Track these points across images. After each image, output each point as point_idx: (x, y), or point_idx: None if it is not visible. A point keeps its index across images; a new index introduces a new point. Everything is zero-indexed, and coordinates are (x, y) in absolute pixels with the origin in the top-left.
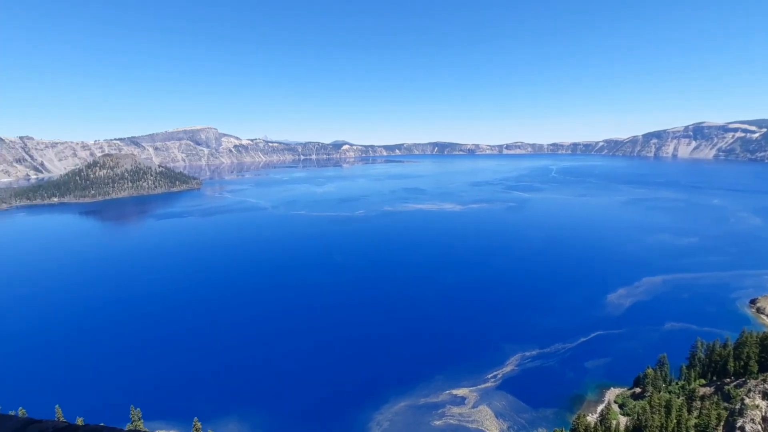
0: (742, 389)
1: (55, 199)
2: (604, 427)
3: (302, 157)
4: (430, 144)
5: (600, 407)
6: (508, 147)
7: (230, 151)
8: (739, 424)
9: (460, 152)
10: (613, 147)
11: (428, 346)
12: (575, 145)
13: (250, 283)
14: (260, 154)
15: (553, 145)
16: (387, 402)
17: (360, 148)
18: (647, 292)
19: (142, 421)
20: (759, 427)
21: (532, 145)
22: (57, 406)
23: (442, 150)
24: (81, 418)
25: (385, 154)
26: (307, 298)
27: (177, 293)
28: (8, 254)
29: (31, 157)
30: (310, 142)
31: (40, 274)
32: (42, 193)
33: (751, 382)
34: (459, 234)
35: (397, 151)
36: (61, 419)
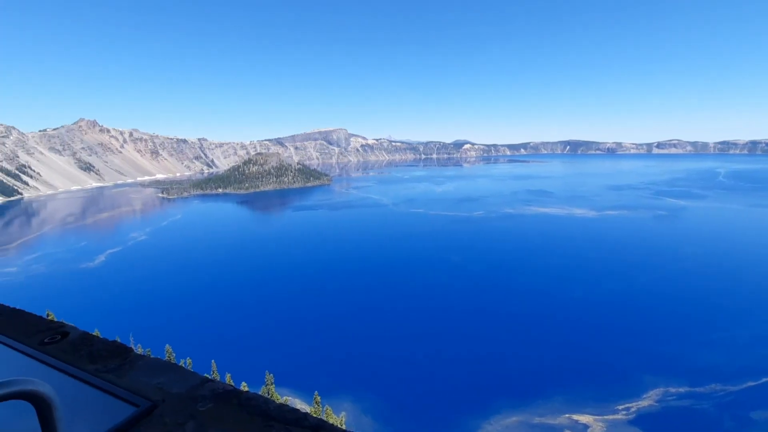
0: None
1: (220, 190)
2: None
3: (423, 156)
4: (560, 143)
5: None
6: (659, 146)
7: (357, 150)
8: None
9: (597, 152)
10: None
11: (548, 361)
12: (754, 143)
13: (371, 275)
14: (384, 153)
15: (723, 143)
16: (498, 413)
17: (482, 147)
18: None
19: (273, 385)
20: None
21: (693, 144)
22: (213, 360)
23: (575, 149)
24: (229, 374)
25: (508, 153)
26: (422, 296)
27: (310, 278)
28: (188, 231)
29: (205, 155)
30: (432, 142)
31: (207, 250)
32: (211, 185)
33: None
34: (591, 243)
35: (522, 150)
36: (214, 373)
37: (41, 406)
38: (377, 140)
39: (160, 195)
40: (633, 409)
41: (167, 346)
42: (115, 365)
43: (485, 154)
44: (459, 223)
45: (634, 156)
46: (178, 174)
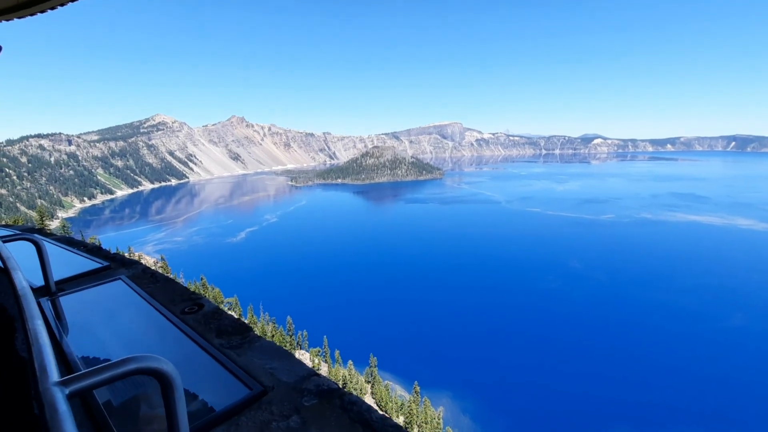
0: None
1: (339, 180)
2: None
3: (544, 152)
4: (722, 138)
5: None
6: None
7: (471, 144)
8: None
9: None
10: None
11: (689, 399)
12: None
13: (481, 274)
14: (500, 148)
15: None
16: None
17: (616, 142)
18: None
19: (376, 368)
20: None
21: None
22: (324, 336)
23: (743, 146)
24: (338, 350)
25: (650, 149)
26: (537, 303)
27: (420, 270)
28: (311, 217)
29: (328, 147)
30: (554, 136)
31: (327, 235)
32: (332, 175)
33: None
34: (758, 265)
35: (668, 146)
36: (326, 347)
37: (164, 382)
38: (493, 134)
39: (290, 183)
40: None
41: (288, 317)
42: (237, 342)
43: (620, 150)
44: (583, 226)
45: None
46: (305, 164)
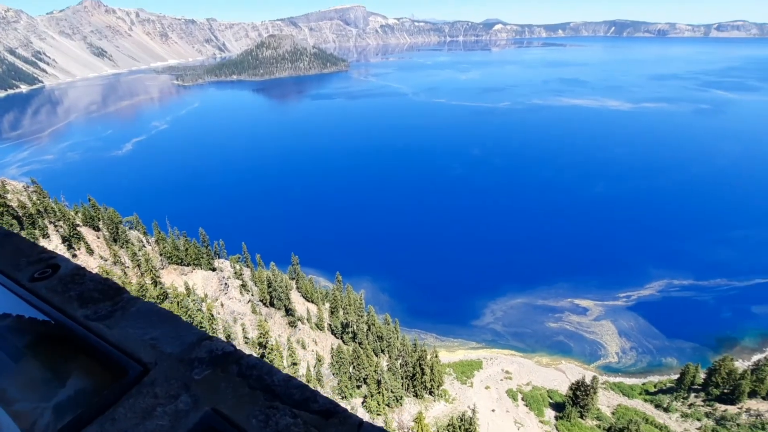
0: None
1: (235, 77)
2: (755, 377)
3: (448, 39)
4: (604, 23)
5: (757, 357)
6: (720, 28)
7: (376, 31)
8: None
9: (646, 34)
10: None
11: (558, 252)
12: None
13: (388, 165)
14: (405, 35)
15: None
16: (504, 295)
17: (514, 28)
18: None
19: (299, 266)
20: None
21: (760, 26)
22: (243, 243)
23: (621, 31)
24: (258, 254)
25: (544, 35)
26: (439, 187)
27: (330, 167)
28: (207, 120)
29: (216, 37)
30: (458, 21)
31: (228, 139)
32: (225, 71)
33: None
34: (619, 137)
35: (560, 31)
36: (246, 253)
37: None
38: (398, 20)
39: (175, 82)
40: (633, 297)
41: (201, 229)
42: (106, 311)
43: (518, 36)
44: (482, 115)
45: (688, 40)
46: (190, 59)
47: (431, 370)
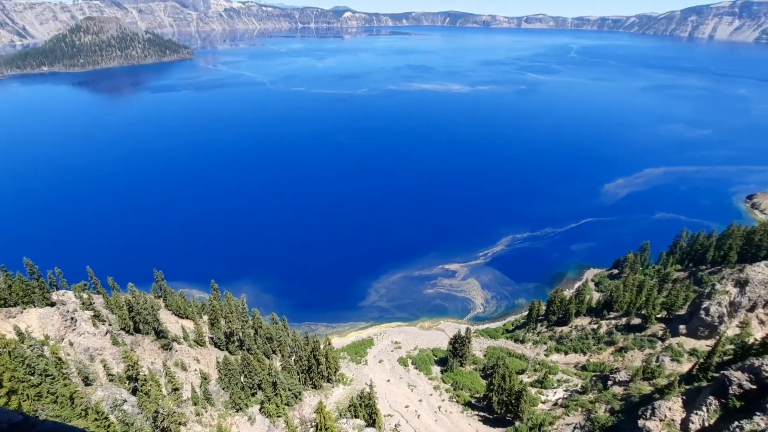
0: (715, 276)
1: (45, 68)
2: (578, 300)
3: (300, 25)
4: (441, 14)
5: (577, 284)
6: (528, 20)
7: (221, 15)
8: (705, 305)
9: (474, 24)
10: (646, 24)
11: (426, 227)
12: (603, 20)
13: (253, 161)
14: (254, 21)
15: (579, 19)
16: (385, 273)
17: (363, 16)
18: (646, 182)
19: (164, 281)
20: (724, 310)
21: (555, 19)
22: (88, 267)
23: (455, 21)
24: (111, 277)
25: (390, 24)
26: (310, 179)
27: (181, 168)
28: (17, 127)
29: (12, 20)
30: (308, 8)
31: (48, 145)
32: (31, 62)
33: (726, 271)
34: (465, 118)
35: (404, 20)
36: (93, 278)
37: None
38: (244, 3)
39: None
40: (489, 254)
41: (26, 258)
42: None
43: (367, 24)
44: (343, 102)
45: (505, 30)
46: None
47: (326, 359)
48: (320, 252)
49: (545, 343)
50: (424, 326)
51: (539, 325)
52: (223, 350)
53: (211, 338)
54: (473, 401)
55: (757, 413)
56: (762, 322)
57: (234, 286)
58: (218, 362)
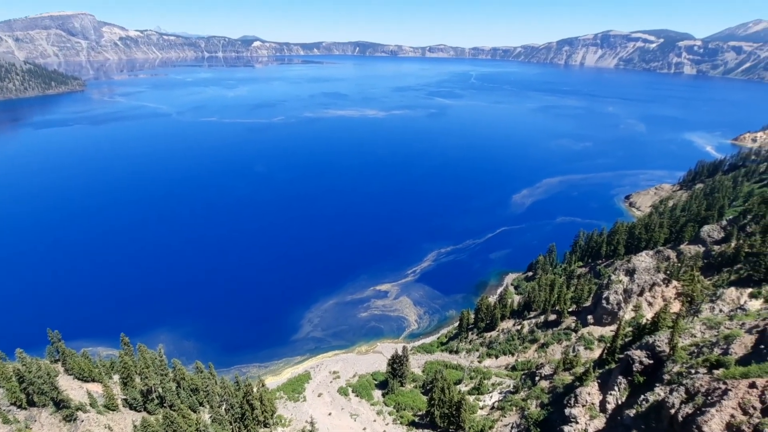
0: (609, 268)
1: None
2: (501, 305)
3: (207, 55)
4: (351, 44)
5: (500, 290)
6: (431, 50)
7: (116, 44)
8: (605, 295)
9: (383, 54)
10: (530, 53)
11: (354, 250)
12: (495, 50)
13: (160, 196)
14: (154, 50)
15: (474, 49)
16: (317, 302)
17: (274, 45)
18: (545, 191)
19: (62, 342)
20: (620, 297)
21: (455, 49)
22: None
23: (364, 51)
24: None
25: (302, 53)
26: (229, 211)
27: (71, 208)
28: None
29: None
30: (215, 37)
31: None
32: None
33: (618, 262)
34: (382, 142)
35: (315, 50)
36: None
37: None
38: (142, 32)
39: None
40: (418, 271)
41: None
42: None
43: (278, 53)
44: (258, 131)
45: (412, 59)
46: None
47: (261, 402)
48: (244, 287)
49: (477, 350)
50: (362, 351)
51: (470, 333)
52: (140, 411)
53: (125, 400)
54: (416, 419)
55: (657, 384)
56: (650, 304)
57: (148, 337)
58: (135, 426)
